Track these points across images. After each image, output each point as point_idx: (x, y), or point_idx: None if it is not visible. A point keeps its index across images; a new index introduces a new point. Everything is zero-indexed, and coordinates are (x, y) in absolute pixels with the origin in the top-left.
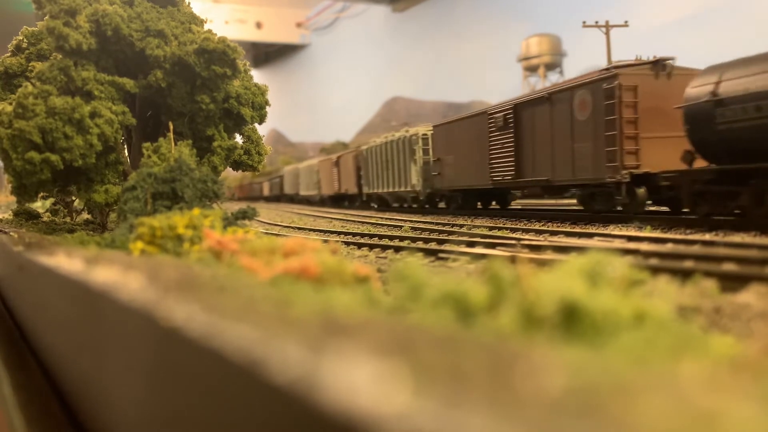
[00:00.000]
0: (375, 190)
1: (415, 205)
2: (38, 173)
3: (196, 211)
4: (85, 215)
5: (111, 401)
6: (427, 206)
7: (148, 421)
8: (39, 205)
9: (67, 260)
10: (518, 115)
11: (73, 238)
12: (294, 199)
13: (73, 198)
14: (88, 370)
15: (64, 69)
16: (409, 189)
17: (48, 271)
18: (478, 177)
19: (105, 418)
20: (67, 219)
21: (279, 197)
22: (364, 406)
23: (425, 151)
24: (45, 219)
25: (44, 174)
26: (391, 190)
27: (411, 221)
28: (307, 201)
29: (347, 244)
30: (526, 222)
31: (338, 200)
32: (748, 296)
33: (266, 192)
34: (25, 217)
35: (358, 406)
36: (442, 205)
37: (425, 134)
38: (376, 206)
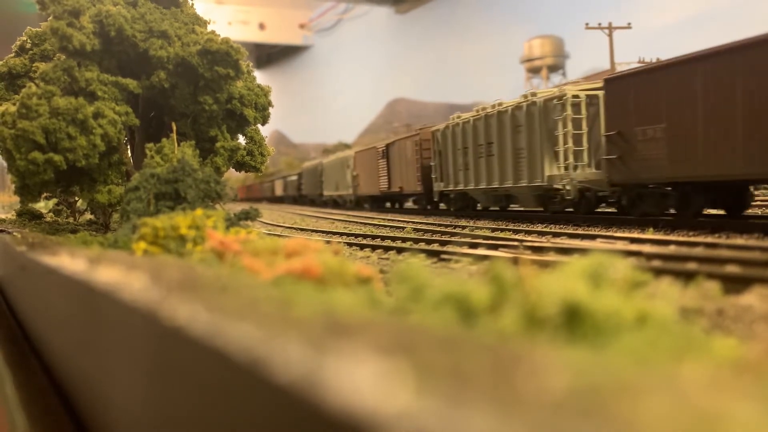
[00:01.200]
0: (459, 187)
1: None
2: (41, 173)
3: (199, 211)
4: (88, 215)
5: (113, 400)
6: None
7: (149, 420)
8: (42, 206)
9: (69, 260)
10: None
11: (76, 239)
12: (316, 201)
13: (76, 198)
14: (90, 370)
15: (68, 70)
16: (541, 184)
17: (51, 271)
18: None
19: (107, 417)
20: (70, 219)
21: (295, 198)
22: (367, 405)
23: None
24: (48, 219)
25: (47, 174)
26: (497, 185)
27: (413, 222)
28: (334, 203)
29: (349, 245)
30: (528, 224)
31: (383, 202)
32: (751, 298)
33: (279, 192)
34: (28, 217)
35: (361, 405)
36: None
37: (578, 96)
38: (451, 209)
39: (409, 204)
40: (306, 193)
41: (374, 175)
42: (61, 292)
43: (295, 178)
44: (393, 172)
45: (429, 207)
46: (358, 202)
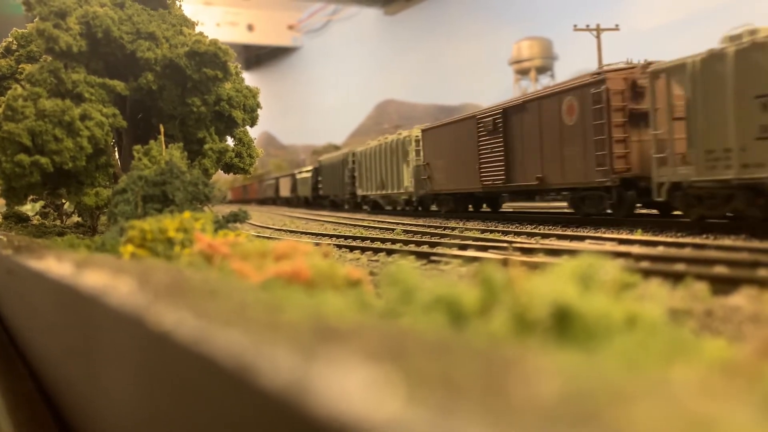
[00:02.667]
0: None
1: None
2: (28, 176)
3: (187, 214)
4: (76, 218)
5: (100, 406)
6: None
7: (137, 427)
8: (29, 208)
9: (56, 264)
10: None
11: (63, 242)
12: (339, 204)
13: (63, 201)
14: (78, 375)
15: (54, 71)
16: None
17: (37, 275)
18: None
19: (94, 423)
20: (57, 222)
21: (309, 200)
22: (356, 412)
23: None
24: (35, 222)
25: (34, 177)
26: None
27: (403, 224)
28: (377, 205)
29: (339, 247)
30: (517, 225)
31: (478, 203)
32: (739, 299)
33: (285, 193)
34: (14, 220)
35: (350, 412)
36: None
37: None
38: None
39: (558, 204)
40: (326, 193)
41: (468, 161)
42: (48, 297)
43: (308, 174)
44: (519, 153)
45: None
46: (423, 204)
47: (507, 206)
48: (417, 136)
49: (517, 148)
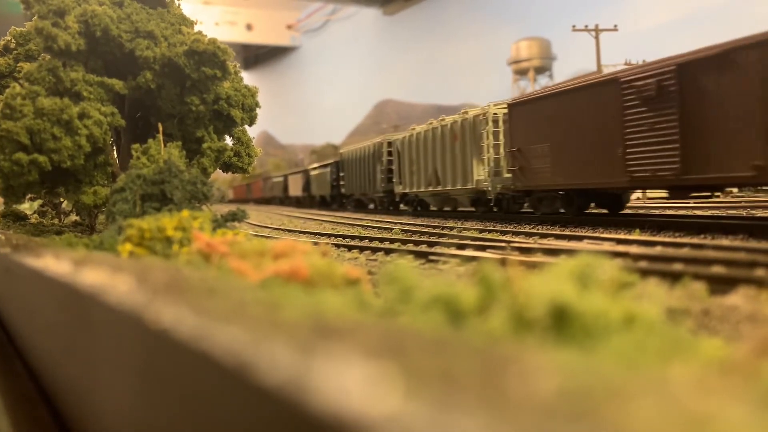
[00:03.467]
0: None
1: None
2: (26, 174)
3: (185, 212)
4: (74, 217)
5: (99, 405)
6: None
7: (136, 425)
8: (27, 207)
9: (54, 262)
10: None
11: (61, 240)
12: (366, 205)
13: (62, 200)
14: (76, 374)
15: (53, 70)
16: None
17: (35, 274)
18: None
19: (93, 421)
20: (55, 221)
21: (325, 200)
22: (355, 408)
23: None
24: (33, 221)
25: (32, 175)
26: None
27: (401, 224)
28: (423, 205)
29: (337, 246)
30: (516, 225)
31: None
32: (737, 299)
33: (295, 191)
34: (12, 218)
35: (349, 408)
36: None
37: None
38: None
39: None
40: (351, 191)
41: (602, 143)
42: (46, 295)
43: (324, 170)
44: (709, 130)
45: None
46: (501, 204)
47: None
48: (496, 114)
49: (704, 122)
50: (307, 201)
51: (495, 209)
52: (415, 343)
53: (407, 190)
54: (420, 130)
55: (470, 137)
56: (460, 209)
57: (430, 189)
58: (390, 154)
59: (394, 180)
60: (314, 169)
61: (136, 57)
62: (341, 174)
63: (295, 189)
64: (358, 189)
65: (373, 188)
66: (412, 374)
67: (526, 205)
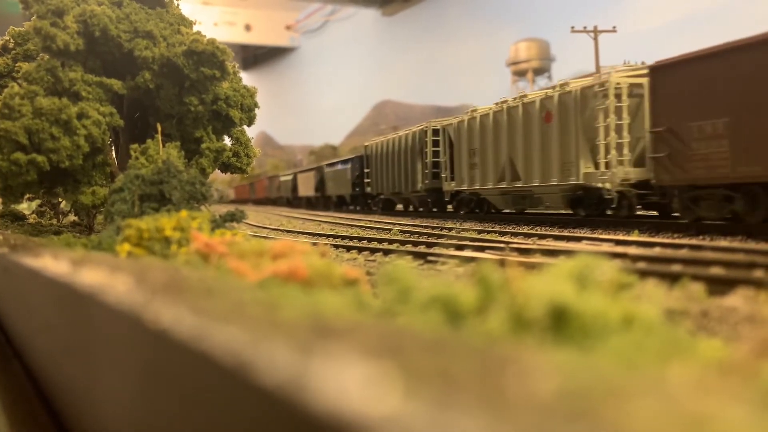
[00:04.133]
0: None
1: None
2: (24, 174)
3: (184, 213)
4: (72, 217)
5: (98, 404)
6: None
7: (135, 424)
8: (25, 207)
9: (53, 262)
10: None
11: (60, 240)
12: (410, 207)
13: (60, 200)
14: (75, 373)
15: (51, 70)
16: None
17: (34, 273)
18: None
19: (91, 421)
20: (54, 221)
21: (344, 201)
22: (354, 408)
23: None
24: (31, 221)
25: (30, 175)
26: None
27: (400, 224)
28: (479, 206)
29: (336, 246)
30: (514, 225)
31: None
32: (735, 300)
33: (306, 191)
34: (10, 219)
35: (348, 408)
36: None
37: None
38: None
39: None
40: (379, 190)
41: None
42: (44, 295)
43: (344, 166)
44: None
45: None
46: (621, 203)
47: None
48: (619, 86)
49: None
50: (320, 202)
51: (610, 212)
52: (414, 343)
53: (464, 188)
54: (485, 110)
55: (574, 117)
56: (546, 212)
57: (502, 186)
58: (436, 144)
59: (442, 175)
60: (330, 165)
61: (134, 57)
62: (366, 170)
63: (306, 188)
64: (389, 188)
65: (410, 186)
66: (411, 374)
67: (671, 208)
